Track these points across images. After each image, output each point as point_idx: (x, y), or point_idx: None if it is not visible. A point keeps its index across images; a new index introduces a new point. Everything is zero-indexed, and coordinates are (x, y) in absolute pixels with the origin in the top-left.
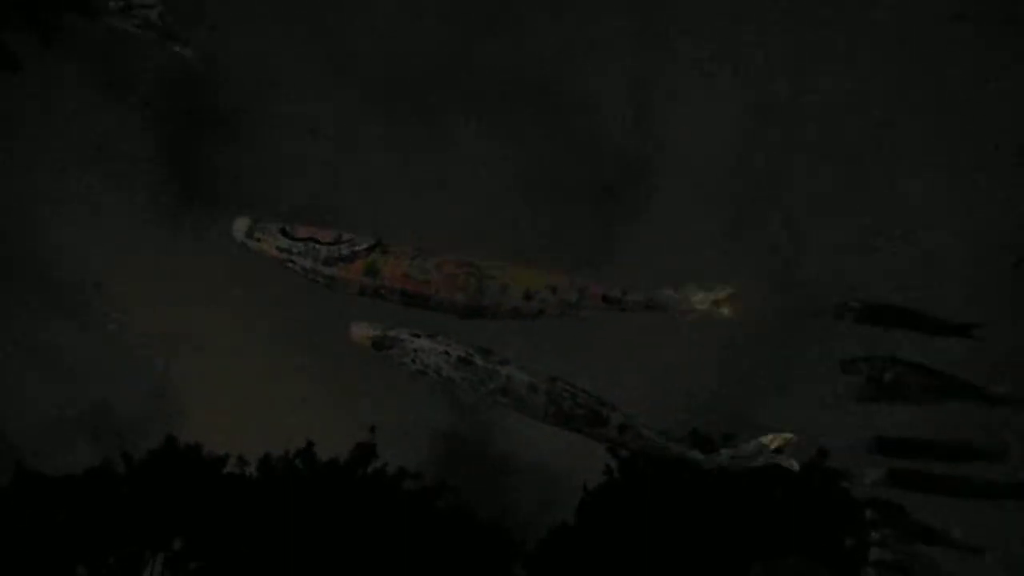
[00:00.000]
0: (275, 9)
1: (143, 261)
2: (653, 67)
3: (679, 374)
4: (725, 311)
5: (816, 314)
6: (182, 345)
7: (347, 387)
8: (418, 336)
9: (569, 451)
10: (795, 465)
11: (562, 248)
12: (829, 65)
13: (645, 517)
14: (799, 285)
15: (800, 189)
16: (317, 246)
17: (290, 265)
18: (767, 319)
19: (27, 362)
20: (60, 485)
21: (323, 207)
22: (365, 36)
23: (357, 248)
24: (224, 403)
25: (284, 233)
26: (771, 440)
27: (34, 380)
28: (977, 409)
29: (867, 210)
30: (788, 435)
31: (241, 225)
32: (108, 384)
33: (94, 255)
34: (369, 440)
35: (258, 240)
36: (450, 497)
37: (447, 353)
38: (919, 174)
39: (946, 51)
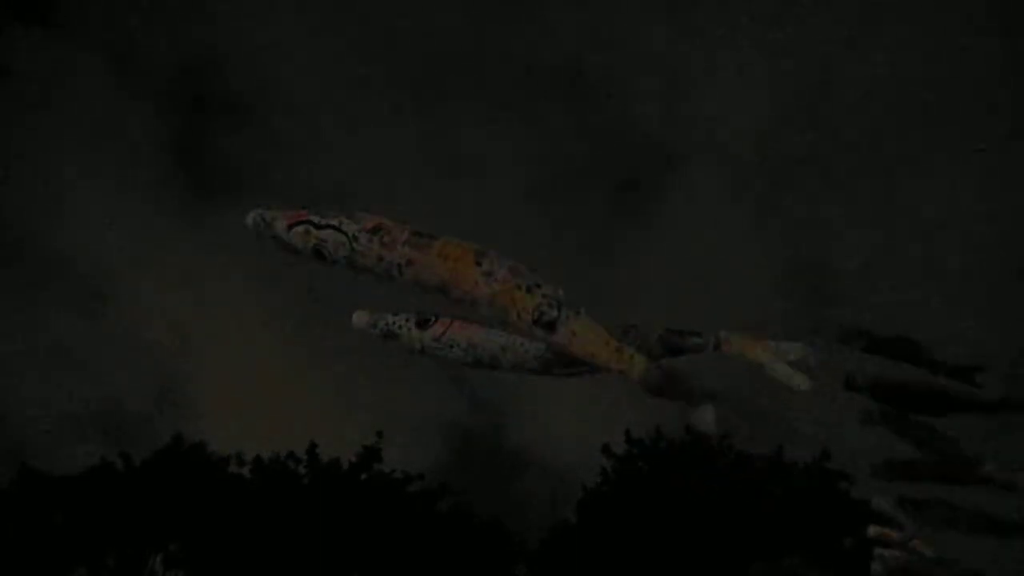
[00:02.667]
0: None
1: (154, 255)
2: (679, 57)
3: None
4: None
5: (820, 334)
6: (191, 341)
7: (355, 385)
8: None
9: (578, 449)
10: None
11: (580, 239)
12: (862, 55)
13: (645, 517)
14: (815, 290)
15: (823, 189)
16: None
17: (304, 222)
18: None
19: (36, 358)
20: (60, 484)
21: (338, 196)
22: (383, 21)
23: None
24: (234, 400)
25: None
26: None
27: (43, 376)
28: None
29: (891, 220)
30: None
31: (253, 212)
32: (118, 380)
33: (104, 248)
34: (375, 444)
35: (272, 210)
36: (452, 498)
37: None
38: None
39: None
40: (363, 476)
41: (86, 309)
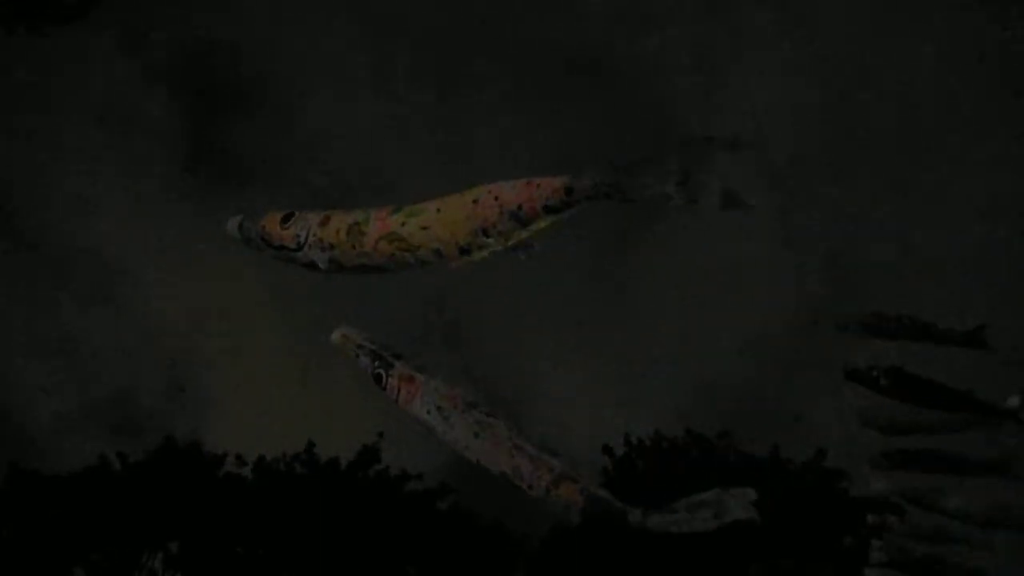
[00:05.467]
0: None
1: (165, 246)
2: (709, 41)
3: (694, 363)
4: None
5: (819, 323)
6: (200, 335)
7: (362, 384)
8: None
9: (581, 448)
10: (755, 516)
11: (598, 229)
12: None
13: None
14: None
15: (854, 182)
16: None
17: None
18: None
19: (43, 350)
20: (59, 482)
21: (349, 186)
22: (403, 7)
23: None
24: (239, 397)
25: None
26: (732, 496)
27: (50, 369)
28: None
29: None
30: (750, 492)
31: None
32: (126, 373)
33: (114, 238)
34: (374, 444)
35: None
36: (452, 498)
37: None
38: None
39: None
40: (360, 475)
41: (95, 300)
